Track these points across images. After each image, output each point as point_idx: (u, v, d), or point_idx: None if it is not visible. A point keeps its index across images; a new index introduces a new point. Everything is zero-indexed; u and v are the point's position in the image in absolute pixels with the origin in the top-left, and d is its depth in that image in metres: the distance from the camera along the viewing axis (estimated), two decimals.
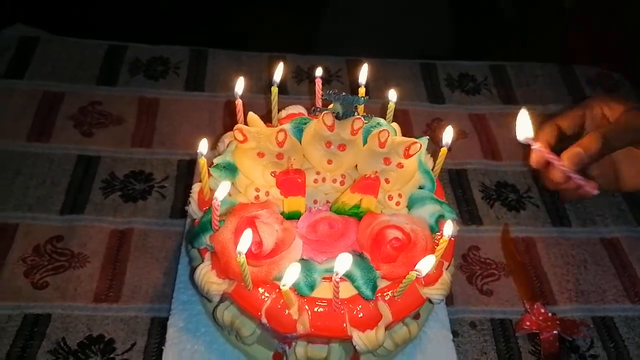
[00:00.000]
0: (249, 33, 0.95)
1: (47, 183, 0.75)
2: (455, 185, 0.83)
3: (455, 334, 0.67)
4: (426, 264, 0.48)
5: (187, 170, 0.79)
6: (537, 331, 0.68)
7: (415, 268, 0.48)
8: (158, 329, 0.64)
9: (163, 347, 0.60)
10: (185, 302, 0.64)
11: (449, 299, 0.70)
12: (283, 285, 0.46)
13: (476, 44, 1.19)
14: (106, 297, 0.66)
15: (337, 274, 0.47)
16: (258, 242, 0.51)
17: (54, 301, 0.64)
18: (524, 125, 0.62)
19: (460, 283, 0.73)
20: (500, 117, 0.93)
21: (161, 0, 1.01)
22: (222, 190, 0.50)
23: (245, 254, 0.47)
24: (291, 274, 0.46)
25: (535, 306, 0.69)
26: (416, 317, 0.61)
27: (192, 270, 0.58)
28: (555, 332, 0.67)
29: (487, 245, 0.77)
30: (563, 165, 0.62)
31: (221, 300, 0.56)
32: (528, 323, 0.68)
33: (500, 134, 0.90)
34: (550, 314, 0.68)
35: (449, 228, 0.50)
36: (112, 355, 0.61)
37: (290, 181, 0.53)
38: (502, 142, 0.89)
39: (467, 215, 0.80)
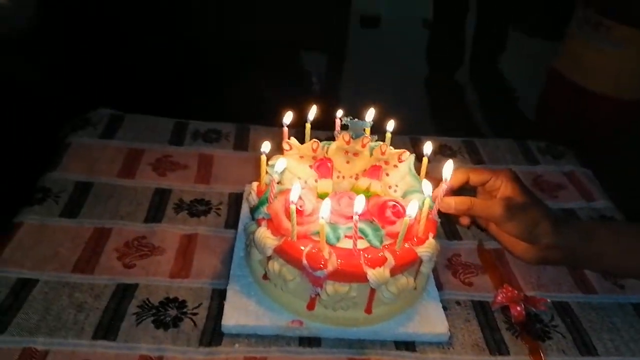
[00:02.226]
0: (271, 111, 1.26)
1: (132, 204, 1.00)
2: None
3: (444, 308, 0.86)
4: (413, 208, 0.72)
5: (236, 200, 1.04)
6: (507, 304, 0.88)
7: (407, 213, 0.72)
8: (218, 295, 0.84)
9: (224, 302, 0.81)
10: (239, 276, 0.86)
11: (439, 285, 0.91)
12: (322, 218, 0.70)
13: (449, 125, 1.52)
14: (179, 274, 0.87)
15: (356, 213, 0.71)
16: (302, 205, 0.76)
17: (140, 276, 0.86)
18: (447, 171, 0.83)
19: (447, 276, 0.94)
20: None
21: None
22: (280, 164, 0.76)
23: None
24: (325, 208, 0.70)
25: (504, 286, 0.89)
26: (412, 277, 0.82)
27: (251, 239, 0.81)
28: (522, 303, 0.87)
29: (466, 253, 1.00)
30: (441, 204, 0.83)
31: (270, 257, 0.79)
32: (499, 298, 0.88)
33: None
34: (516, 292, 0.89)
35: (426, 186, 0.75)
36: (184, 310, 0.81)
37: (323, 164, 0.79)
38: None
39: (450, 233, 1.04)
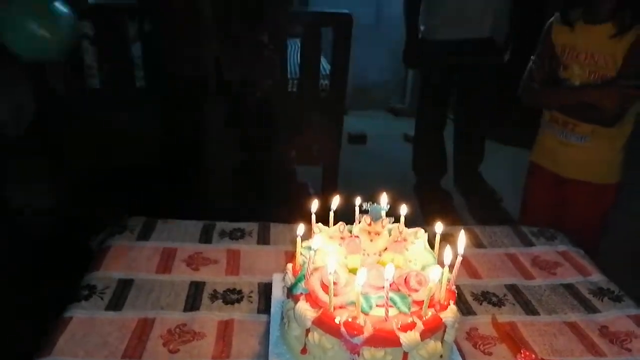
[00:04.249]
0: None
1: (171, 296, 1.08)
2: None
3: None
4: (437, 274, 0.83)
5: (265, 288, 1.13)
6: None
7: (430, 279, 0.83)
8: None
9: None
10: (278, 353, 0.92)
11: (462, 356, 0.97)
12: (357, 285, 0.80)
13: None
14: (220, 356, 0.93)
15: (387, 280, 0.81)
16: (337, 278, 0.86)
17: (185, 359, 0.92)
18: (461, 244, 0.93)
19: (468, 348, 1.01)
20: (476, 254, 1.32)
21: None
22: (317, 241, 0.87)
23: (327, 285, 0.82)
24: (361, 277, 0.80)
25: (522, 351, 0.97)
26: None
27: (290, 315, 0.89)
28: None
29: (482, 327, 1.07)
30: None
31: (309, 329, 0.86)
32: None
33: (479, 262, 1.28)
34: (534, 356, 0.96)
35: (447, 254, 0.86)
36: None
37: (352, 240, 0.91)
38: (479, 266, 1.27)
39: (465, 309, 1.12)
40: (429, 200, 3.11)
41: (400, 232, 0.96)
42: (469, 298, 1.17)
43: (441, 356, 0.90)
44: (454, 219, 2.65)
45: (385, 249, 0.97)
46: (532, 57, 1.67)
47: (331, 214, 1.04)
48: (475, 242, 1.39)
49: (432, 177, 3.24)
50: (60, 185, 2.31)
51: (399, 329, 0.82)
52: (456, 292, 0.94)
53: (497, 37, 2.62)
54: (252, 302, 1.09)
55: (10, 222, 1.76)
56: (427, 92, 2.97)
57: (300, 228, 0.94)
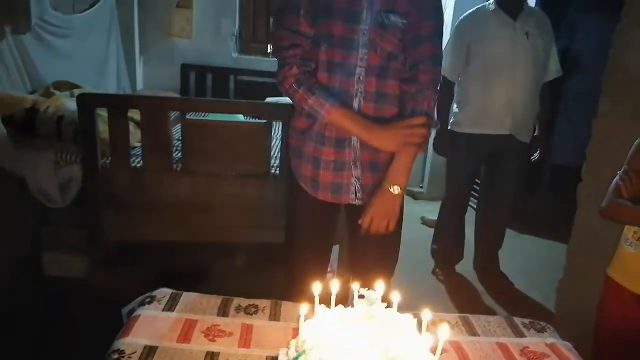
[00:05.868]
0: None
1: None
2: None
3: None
4: (420, 355, 0.96)
5: None
6: None
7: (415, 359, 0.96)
8: None
9: None
10: None
11: None
12: None
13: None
14: None
15: None
16: (333, 354, 1.00)
17: None
18: (443, 333, 1.03)
19: None
20: (469, 342, 1.43)
21: None
22: (318, 320, 1.02)
23: None
24: (355, 354, 0.94)
25: None
26: None
27: None
28: None
29: None
30: None
31: None
32: None
33: (471, 349, 1.39)
34: None
35: (430, 338, 1.00)
36: None
37: (348, 321, 1.05)
38: (471, 353, 1.37)
39: None
40: (448, 284, 3.20)
41: (391, 317, 1.11)
42: None
43: None
44: (471, 303, 2.73)
45: (378, 330, 1.10)
46: (618, 172, 1.62)
47: (332, 297, 1.19)
48: (470, 331, 1.50)
49: (449, 262, 3.33)
50: (96, 255, 2.53)
51: None
52: None
53: (520, 136, 2.89)
54: None
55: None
56: (453, 180, 3.16)
57: (304, 308, 1.09)
